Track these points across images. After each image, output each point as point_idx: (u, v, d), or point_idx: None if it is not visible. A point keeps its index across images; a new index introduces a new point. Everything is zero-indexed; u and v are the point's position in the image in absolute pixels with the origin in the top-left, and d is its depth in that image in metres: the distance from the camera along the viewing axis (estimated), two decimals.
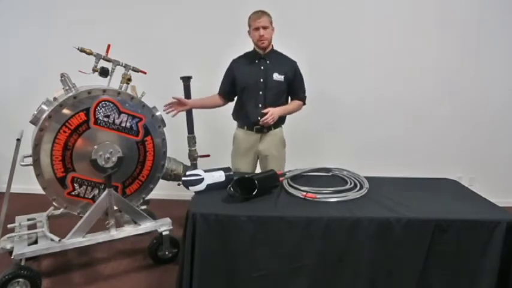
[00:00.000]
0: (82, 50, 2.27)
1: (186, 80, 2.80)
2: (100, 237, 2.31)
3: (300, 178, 2.16)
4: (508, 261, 1.71)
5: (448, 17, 3.34)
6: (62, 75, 2.17)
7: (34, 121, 2.11)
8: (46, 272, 2.42)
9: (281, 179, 2.07)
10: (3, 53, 3.48)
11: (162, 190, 2.83)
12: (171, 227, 2.50)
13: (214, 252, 1.70)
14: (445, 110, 3.52)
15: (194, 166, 2.94)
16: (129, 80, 2.34)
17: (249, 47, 2.57)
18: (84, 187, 2.26)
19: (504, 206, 1.92)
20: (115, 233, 2.36)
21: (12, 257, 2.10)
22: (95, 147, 2.20)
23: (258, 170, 2.66)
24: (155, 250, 2.53)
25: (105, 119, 2.21)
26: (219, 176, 2.00)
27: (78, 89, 2.17)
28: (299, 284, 1.73)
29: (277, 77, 2.49)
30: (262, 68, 2.51)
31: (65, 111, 2.11)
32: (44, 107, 2.14)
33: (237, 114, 2.65)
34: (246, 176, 1.92)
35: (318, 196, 1.87)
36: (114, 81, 2.35)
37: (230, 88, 2.61)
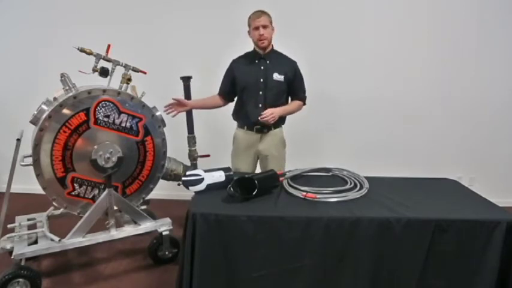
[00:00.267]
0: (82, 50, 2.27)
1: (186, 80, 2.80)
2: (100, 237, 2.31)
3: (300, 178, 2.16)
4: (508, 261, 1.71)
5: (448, 17, 3.34)
6: (62, 75, 2.17)
7: (34, 121, 2.11)
8: (46, 272, 2.42)
9: (281, 179, 2.07)
10: (3, 53, 3.48)
11: (162, 190, 2.82)
12: (171, 227, 2.50)
13: (214, 252, 1.70)
14: (445, 110, 3.52)
15: (194, 166, 2.94)
16: (129, 80, 2.34)
17: (249, 47, 2.57)
18: (84, 187, 2.26)
19: (504, 206, 1.92)
20: (115, 233, 2.36)
21: (12, 257, 2.10)
22: (95, 147, 2.20)
23: (258, 170, 2.66)
24: (155, 250, 2.53)
25: (105, 119, 2.21)
26: (219, 176, 2.00)
27: (78, 89, 2.17)
28: (299, 284, 1.73)
29: (277, 77, 2.49)
30: (262, 68, 2.51)
31: (65, 111, 2.11)
32: (44, 107, 2.14)
33: (237, 114, 2.65)
34: (246, 176, 1.92)
35: (318, 196, 1.86)
36: (114, 81, 2.35)
37: (230, 88, 2.61)
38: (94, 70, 2.30)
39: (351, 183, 2.06)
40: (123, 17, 3.34)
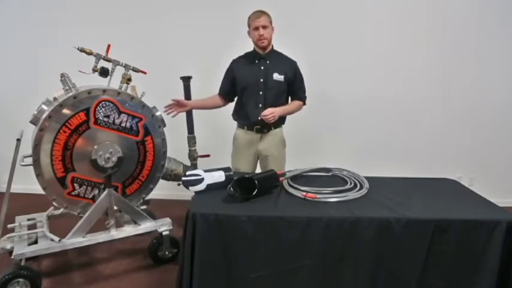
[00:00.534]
0: (82, 50, 2.27)
1: (186, 80, 2.80)
2: (100, 237, 2.31)
3: (300, 178, 2.16)
4: (508, 261, 1.71)
5: (448, 17, 3.34)
6: (62, 75, 2.17)
7: (34, 121, 2.11)
8: (46, 272, 2.42)
9: (281, 179, 2.07)
10: (3, 53, 3.48)
11: (162, 190, 2.82)
12: (171, 227, 2.50)
13: (214, 252, 1.70)
14: (445, 110, 3.52)
15: (194, 166, 2.95)
16: (129, 80, 2.34)
17: (249, 47, 2.57)
18: (84, 187, 2.26)
19: (504, 206, 1.92)
20: (115, 233, 2.36)
21: (12, 257, 2.10)
22: (95, 147, 2.20)
23: (258, 170, 2.66)
24: (155, 250, 2.53)
25: (105, 119, 2.21)
26: (219, 176, 1.99)
27: (78, 89, 2.17)
28: (299, 284, 1.73)
29: (277, 77, 2.49)
30: (262, 68, 2.51)
31: (65, 111, 2.11)
32: (44, 107, 2.14)
33: (237, 114, 2.64)
34: (246, 176, 1.92)
35: (318, 196, 1.86)
36: (114, 81, 2.35)
37: (230, 88, 2.61)
38: (94, 70, 2.30)
39: (351, 183, 2.06)
40: (123, 17, 3.34)
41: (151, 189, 2.50)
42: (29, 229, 2.37)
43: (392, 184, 2.14)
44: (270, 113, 2.38)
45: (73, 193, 2.24)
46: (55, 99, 2.19)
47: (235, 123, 2.69)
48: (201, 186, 1.95)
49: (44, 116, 2.08)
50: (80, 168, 2.21)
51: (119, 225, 2.41)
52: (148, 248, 2.56)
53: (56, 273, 2.43)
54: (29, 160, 2.14)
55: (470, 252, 1.72)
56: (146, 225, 2.45)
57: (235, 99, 2.65)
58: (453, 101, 3.50)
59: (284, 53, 2.59)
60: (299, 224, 1.69)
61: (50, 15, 3.38)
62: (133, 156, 2.34)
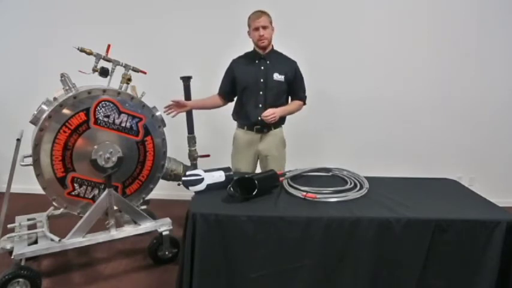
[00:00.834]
0: (82, 50, 2.27)
1: (186, 80, 2.80)
2: (100, 237, 2.31)
3: (300, 178, 2.16)
4: (508, 261, 1.71)
5: (448, 17, 3.34)
6: (62, 75, 2.17)
7: (34, 121, 2.11)
8: (46, 272, 2.42)
9: (281, 179, 2.07)
10: (3, 53, 3.48)
11: (162, 190, 2.83)
12: (171, 227, 2.50)
13: (214, 252, 1.70)
14: (445, 110, 3.52)
15: (194, 166, 2.95)
16: (129, 80, 2.34)
17: (249, 47, 2.57)
18: (84, 187, 2.26)
19: (504, 206, 1.92)
20: (115, 233, 2.36)
21: (12, 257, 2.10)
22: (95, 147, 2.20)
23: (258, 170, 2.66)
24: (155, 250, 2.53)
25: (105, 119, 2.21)
26: (219, 176, 1.99)
27: (78, 89, 2.17)
28: (299, 284, 1.73)
29: (277, 77, 2.49)
30: (262, 68, 2.51)
31: (65, 111, 2.11)
32: (44, 107, 2.14)
33: (237, 114, 2.64)
34: (246, 176, 1.92)
35: (318, 196, 1.86)
36: (114, 81, 2.35)
37: (230, 88, 2.61)
38: (94, 70, 2.30)
39: (351, 183, 2.06)
40: (123, 17, 3.34)
41: (151, 189, 2.50)
42: (29, 229, 2.37)
43: (392, 184, 2.14)
44: (271, 114, 2.38)
45: (73, 193, 2.24)
46: (55, 99, 2.19)
47: (235, 123, 2.69)
48: (201, 186, 1.95)
49: (44, 116, 2.08)
50: (80, 168, 2.21)
51: (119, 225, 2.41)
52: (148, 248, 2.56)
53: (56, 273, 2.43)
54: (29, 160, 2.14)
55: (470, 252, 1.71)
56: (146, 225, 2.45)
57: (235, 99, 2.65)
58: (453, 101, 3.50)
59: (284, 53, 2.59)
60: (299, 224, 1.69)
61: (50, 15, 3.38)
62: (133, 156, 2.34)
